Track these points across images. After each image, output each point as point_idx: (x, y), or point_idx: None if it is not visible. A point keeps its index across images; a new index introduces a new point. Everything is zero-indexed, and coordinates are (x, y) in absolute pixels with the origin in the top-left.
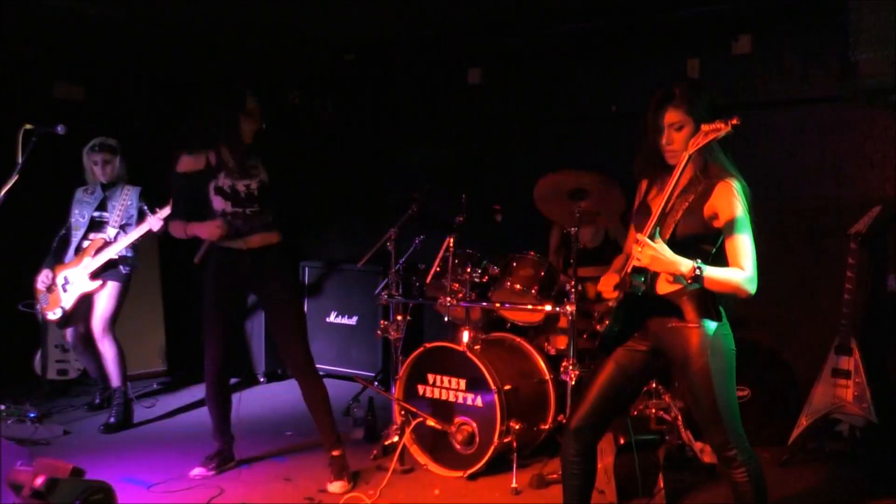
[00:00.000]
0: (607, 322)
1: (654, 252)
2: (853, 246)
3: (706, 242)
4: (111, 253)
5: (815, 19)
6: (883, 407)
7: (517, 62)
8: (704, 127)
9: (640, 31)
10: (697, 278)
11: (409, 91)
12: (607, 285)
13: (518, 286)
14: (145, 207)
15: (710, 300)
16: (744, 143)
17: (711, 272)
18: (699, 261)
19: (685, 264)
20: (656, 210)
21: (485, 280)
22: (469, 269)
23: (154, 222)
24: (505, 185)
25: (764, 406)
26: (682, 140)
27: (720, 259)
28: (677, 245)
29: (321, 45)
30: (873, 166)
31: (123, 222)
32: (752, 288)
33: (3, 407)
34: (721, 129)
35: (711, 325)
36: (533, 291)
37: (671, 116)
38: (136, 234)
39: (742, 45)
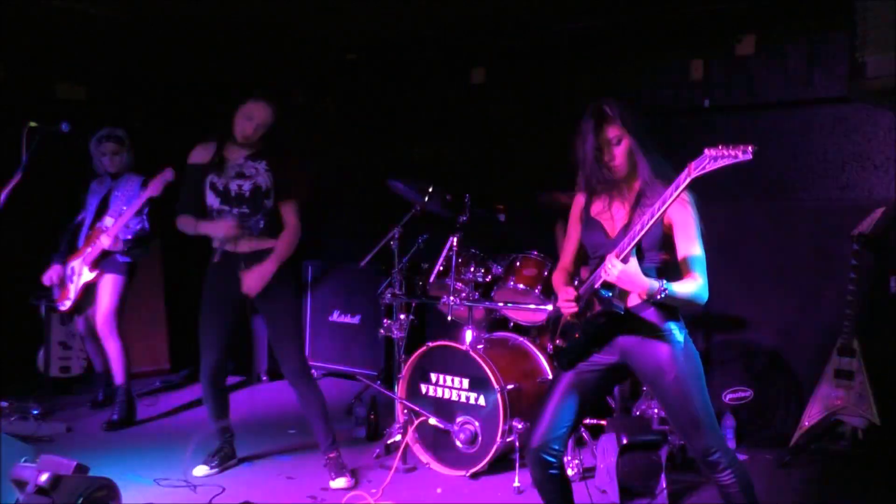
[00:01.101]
0: (575, 335)
1: (625, 272)
2: (856, 247)
3: (664, 251)
4: (105, 242)
5: (819, 20)
6: (885, 408)
7: (520, 62)
8: (709, 152)
9: (643, 31)
10: (665, 298)
11: (412, 90)
12: (566, 298)
13: (521, 286)
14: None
15: (674, 308)
16: (748, 144)
17: (676, 289)
18: (665, 281)
19: (653, 285)
20: (611, 234)
21: (488, 279)
22: (472, 269)
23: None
24: (508, 184)
25: (766, 407)
26: (622, 153)
27: (676, 265)
28: (641, 256)
29: (324, 44)
30: (877, 168)
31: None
32: (705, 296)
33: (6, 404)
34: (737, 156)
35: (679, 334)
36: (536, 291)
37: (610, 132)
38: (121, 221)
39: (745, 46)
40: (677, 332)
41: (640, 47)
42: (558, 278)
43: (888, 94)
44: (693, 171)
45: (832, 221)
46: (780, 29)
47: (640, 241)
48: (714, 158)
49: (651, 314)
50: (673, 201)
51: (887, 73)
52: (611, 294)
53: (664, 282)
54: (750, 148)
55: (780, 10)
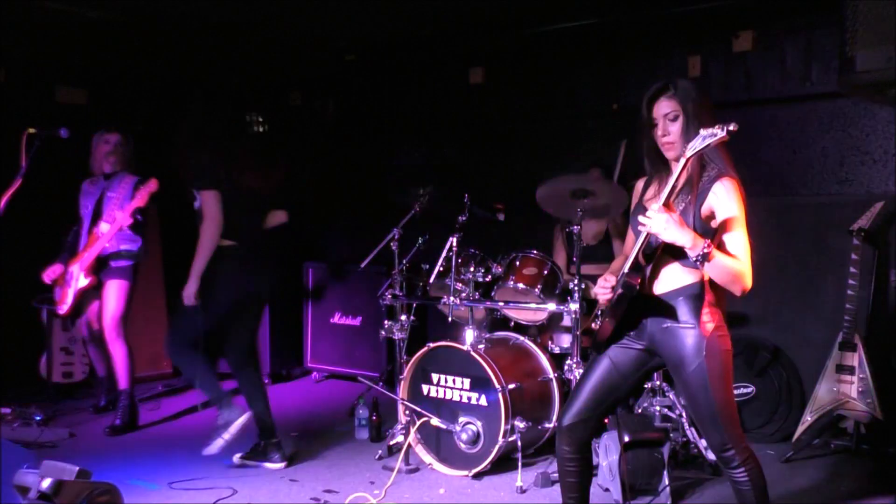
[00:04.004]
0: (603, 321)
1: (668, 218)
2: (856, 242)
3: (707, 238)
4: (100, 247)
5: (816, 15)
6: (888, 402)
7: (518, 61)
8: (703, 131)
9: (640, 28)
10: (705, 256)
11: (410, 91)
12: (603, 287)
13: (521, 285)
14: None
15: (707, 300)
16: (746, 140)
17: (718, 255)
18: (709, 241)
19: (696, 239)
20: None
21: (488, 279)
22: (472, 269)
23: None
24: (507, 183)
25: (768, 403)
26: (677, 131)
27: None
28: (676, 246)
29: (322, 45)
30: (875, 162)
31: (115, 214)
32: (749, 282)
33: (8, 410)
34: (717, 135)
35: (708, 326)
36: (536, 290)
37: (665, 107)
38: (115, 226)
39: (743, 42)
40: (706, 324)
41: (637, 45)
42: (615, 264)
43: (878, 88)
44: (688, 151)
45: (831, 216)
46: (778, 24)
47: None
48: (703, 138)
49: (682, 302)
50: (677, 180)
51: (876, 67)
52: (638, 280)
53: (708, 241)
54: (730, 127)
55: (777, 6)
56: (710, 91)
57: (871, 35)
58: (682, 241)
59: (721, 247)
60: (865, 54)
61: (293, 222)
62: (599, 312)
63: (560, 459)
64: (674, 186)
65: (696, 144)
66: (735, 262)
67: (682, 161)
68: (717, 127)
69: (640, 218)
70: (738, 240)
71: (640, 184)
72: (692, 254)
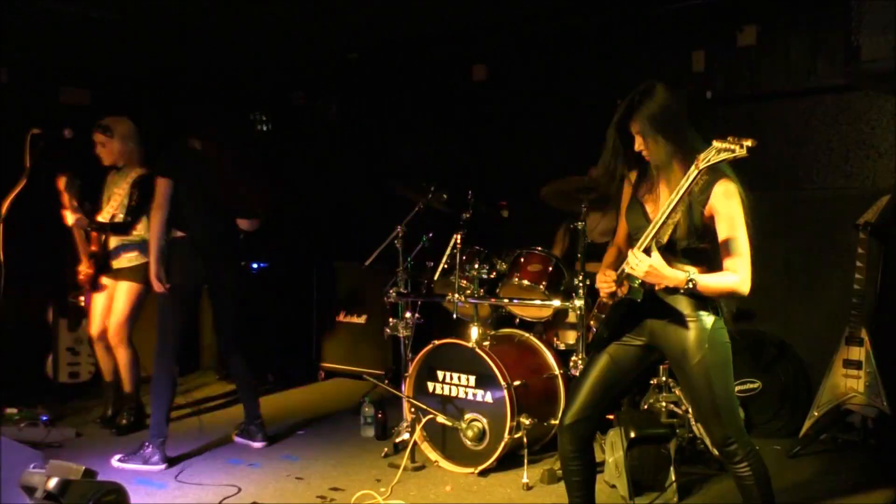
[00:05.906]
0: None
1: (649, 267)
2: (862, 236)
3: (704, 241)
4: (88, 246)
5: (820, 8)
6: (895, 397)
7: (521, 57)
8: (717, 144)
9: (644, 23)
10: (691, 290)
11: (413, 89)
12: (604, 282)
13: (526, 282)
14: (134, 197)
15: (706, 296)
16: (751, 135)
17: (705, 281)
18: (692, 271)
19: (679, 277)
20: (652, 218)
21: (493, 276)
22: (477, 266)
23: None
24: (511, 180)
25: (775, 398)
26: (642, 143)
27: (718, 255)
28: (676, 244)
29: (324, 44)
30: (881, 156)
31: (115, 213)
32: (745, 289)
33: (15, 410)
34: (734, 151)
35: (708, 320)
36: (541, 287)
37: (633, 126)
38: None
39: (747, 36)
40: (706, 318)
41: (641, 40)
42: (607, 256)
43: (884, 77)
44: (700, 163)
45: (837, 211)
46: (782, 19)
47: (672, 231)
48: (719, 151)
49: (681, 299)
50: (685, 193)
51: (882, 56)
52: (639, 283)
53: (692, 272)
54: (747, 143)
55: (781, 0)
56: (714, 86)
57: (876, 25)
58: (665, 283)
59: (718, 252)
60: (871, 44)
61: (304, 222)
62: (600, 308)
63: (563, 459)
64: (669, 205)
65: (711, 157)
66: (725, 280)
67: (695, 173)
68: (732, 141)
69: (626, 263)
70: (736, 245)
71: (633, 175)
72: (679, 291)
